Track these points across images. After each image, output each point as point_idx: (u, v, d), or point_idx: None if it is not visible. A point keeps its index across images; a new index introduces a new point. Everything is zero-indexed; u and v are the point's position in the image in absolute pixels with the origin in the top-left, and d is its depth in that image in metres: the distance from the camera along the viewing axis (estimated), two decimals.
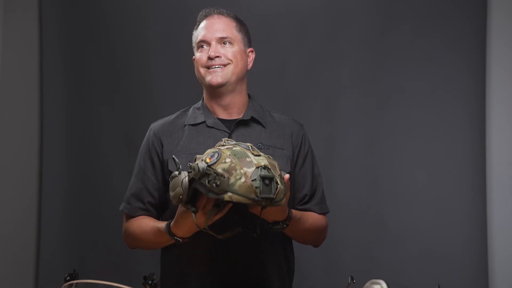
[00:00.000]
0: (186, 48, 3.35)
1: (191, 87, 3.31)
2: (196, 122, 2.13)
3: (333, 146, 3.17)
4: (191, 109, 2.19)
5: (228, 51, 2.10)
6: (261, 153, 1.80)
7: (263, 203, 1.73)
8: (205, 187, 1.73)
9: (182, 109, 2.20)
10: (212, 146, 2.00)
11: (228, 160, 1.73)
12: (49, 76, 3.50)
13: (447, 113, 3.04)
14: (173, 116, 2.18)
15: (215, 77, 2.08)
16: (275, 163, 1.81)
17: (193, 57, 2.19)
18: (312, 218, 2.09)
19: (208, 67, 2.09)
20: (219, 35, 2.11)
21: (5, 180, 3.34)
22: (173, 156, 1.89)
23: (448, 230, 2.98)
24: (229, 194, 1.70)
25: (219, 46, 2.10)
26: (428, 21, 3.07)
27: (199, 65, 2.12)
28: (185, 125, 2.13)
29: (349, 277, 2.03)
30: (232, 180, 1.71)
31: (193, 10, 3.33)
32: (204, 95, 2.17)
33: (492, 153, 2.94)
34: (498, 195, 2.92)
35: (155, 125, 2.16)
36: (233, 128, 2.10)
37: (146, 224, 2.04)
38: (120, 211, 2.12)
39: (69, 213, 3.49)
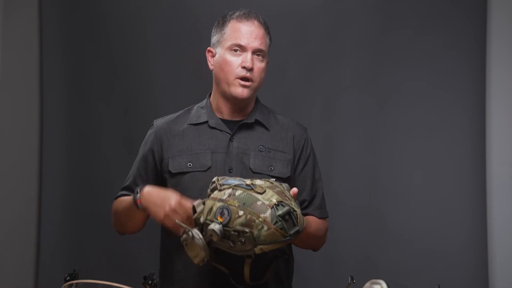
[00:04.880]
0: (186, 48, 3.37)
1: (191, 87, 3.33)
2: (198, 122, 2.12)
3: (333, 146, 3.17)
4: (195, 107, 2.18)
5: (260, 65, 2.07)
6: (263, 184, 1.76)
7: (293, 238, 1.72)
8: (230, 247, 1.71)
9: (186, 108, 2.19)
10: (213, 148, 2.00)
11: (241, 213, 1.69)
12: (49, 76, 3.50)
13: (447, 113, 3.04)
14: (177, 114, 2.18)
15: (243, 92, 2.05)
16: (278, 184, 1.78)
17: (209, 48, 2.14)
18: (314, 224, 2.08)
19: (239, 77, 2.04)
20: (258, 46, 2.07)
21: (5, 180, 3.33)
22: (177, 220, 1.84)
23: (448, 230, 2.98)
24: (259, 247, 1.69)
25: (254, 56, 2.06)
26: (428, 21, 3.07)
27: (228, 69, 2.06)
28: (187, 124, 2.13)
29: (349, 277, 2.02)
30: (255, 232, 1.68)
31: (193, 10, 3.36)
32: (214, 92, 2.15)
33: (492, 153, 2.94)
34: (498, 195, 2.91)
35: (157, 123, 2.16)
36: (235, 130, 2.10)
37: (124, 199, 2.09)
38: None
39: (69, 213, 3.49)
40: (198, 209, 1.80)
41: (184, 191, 1.99)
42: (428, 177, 3.05)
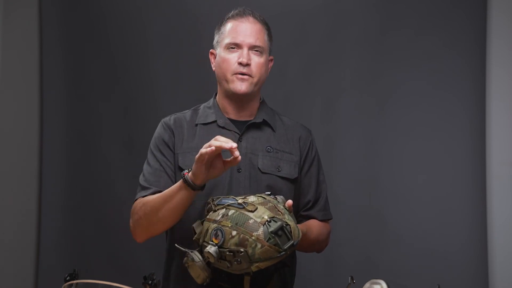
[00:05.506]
0: (186, 48, 3.37)
1: (191, 87, 3.33)
2: (207, 122, 2.13)
3: (333, 146, 3.17)
4: (201, 107, 2.18)
5: (258, 61, 2.08)
6: (255, 201, 1.77)
7: (288, 252, 1.73)
8: (227, 268, 1.74)
9: (192, 108, 2.20)
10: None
11: (234, 233, 1.71)
12: (49, 76, 3.50)
13: (447, 113, 3.04)
14: (184, 113, 2.18)
15: (241, 86, 2.06)
16: (271, 199, 1.79)
17: (211, 50, 2.17)
18: (316, 229, 2.09)
19: (236, 73, 2.06)
20: (253, 42, 2.08)
21: (5, 180, 3.33)
22: (176, 244, 1.86)
23: (448, 230, 2.98)
24: (256, 264, 1.71)
25: (250, 52, 2.07)
26: (428, 21, 3.06)
27: (225, 66, 2.08)
28: (196, 124, 2.13)
29: (349, 277, 2.03)
30: (250, 251, 1.70)
31: (193, 10, 3.36)
32: (219, 92, 2.16)
33: (492, 153, 2.94)
34: (498, 195, 2.91)
35: (166, 119, 2.16)
36: (244, 130, 2.10)
37: (155, 195, 2.01)
38: (136, 199, 2.07)
39: (69, 213, 3.49)
40: (197, 230, 1.83)
41: None
42: (428, 177, 3.04)
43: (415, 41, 3.07)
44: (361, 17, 3.18)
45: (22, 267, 3.44)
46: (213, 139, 1.85)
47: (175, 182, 2.00)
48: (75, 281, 1.78)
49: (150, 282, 1.72)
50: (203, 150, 1.83)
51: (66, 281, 1.81)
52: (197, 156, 1.85)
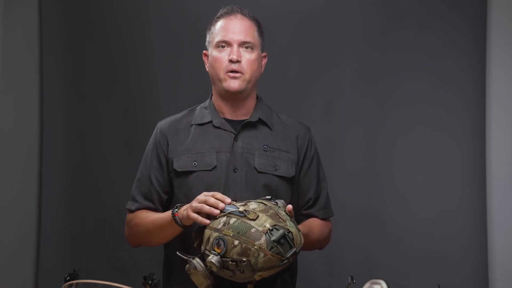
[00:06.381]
0: (186, 48, 3.37)
1: (191, 87, 3.33)
2: (202, 122, 2.12)
3: (333, 146, 3.17)
4: (198, 108, 2.18)
5: (249, 57, 2.07)
6: (256, 208, 1.76)
7: (291, 260, 1.73)
8: (230, 277, 1.73)
9: (189, 108, 2.20)
10: (218, 147, 2.01)
11: (236, 242, 1.71)
12: (49, 76, 3.50)
13: (447, 113, 3.04)
14: (180, 114, 2.18)
15: (234, 83, 2.06)
16: (272, 205, 1.78)
17: (204, 51, 2.17)
18: (317, 229, 2.09)
19: (228, 71, 2.06)
20: (242, 38, 2.08)
21: (5, 180, 3.33)
22: (178, 252, 1.83)
23: (448, 230, 2.98)
24: (259, 273, 1.70)
25: (241, 49, 2.07)
26: (428, 21, 3.07)
27: (217, 65, 2.08)
28: (192, 125, 2.13)
29: (349, 277, 2.03)
30: (253, 260, 1.69)
31: (193, 10, 3.36)
32: (213, 93, 2.16)
33: (492, 153, 2.94)
34: (498, 195, 2.91)
35: (161, 124, 2.16)
36: (239, 129, 2.10)
37: (151, 214, 2.06)
38: (127, 208, 2.12)
39: (69, 213, 3.49)
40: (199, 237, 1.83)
41: (189, 191, 2.03)
42: (428, 177, 3.05)
43: (415, 41, 3.07)
44: (361, 17, 3.18)
45: (22, 267, 3.44)
46: (200, 203, 1.84)
47: (165, 198, 2.09)
48: (75, 281, 1.78)
49: (150, 282, 1.72)
50: (199, 219, 1.83)
51: (66, 281, 1.81)
52: (189, 213, 1.86)
